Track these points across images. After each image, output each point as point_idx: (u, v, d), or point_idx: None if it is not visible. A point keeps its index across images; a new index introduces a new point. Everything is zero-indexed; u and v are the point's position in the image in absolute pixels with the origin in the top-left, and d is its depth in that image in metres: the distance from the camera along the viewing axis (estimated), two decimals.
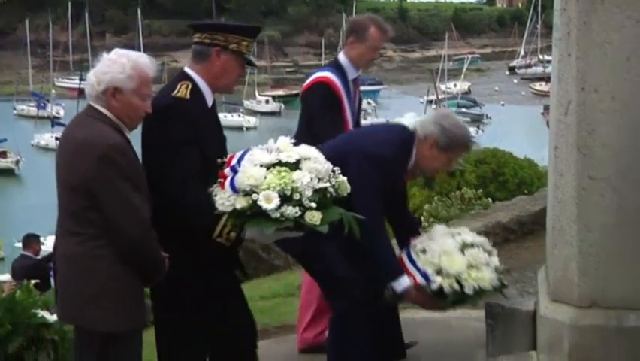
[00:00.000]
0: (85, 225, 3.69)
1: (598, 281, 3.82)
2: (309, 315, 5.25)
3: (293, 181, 3.60)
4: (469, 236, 4.55)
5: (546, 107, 38.59)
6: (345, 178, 3.83)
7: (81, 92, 56.56)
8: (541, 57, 77.18)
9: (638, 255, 3.78)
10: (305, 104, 5.33)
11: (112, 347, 3.76)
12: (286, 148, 3.75)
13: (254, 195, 3.60)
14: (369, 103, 65.17)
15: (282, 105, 67.99)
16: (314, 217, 3.60)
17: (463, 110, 62.80)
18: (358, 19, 5.50)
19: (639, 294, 3.79)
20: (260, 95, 71.77)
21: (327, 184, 3.69)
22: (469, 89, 70.60)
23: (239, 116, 62.41)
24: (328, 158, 3.84)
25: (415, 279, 4.42)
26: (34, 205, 33.97)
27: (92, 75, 3.77)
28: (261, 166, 3.67)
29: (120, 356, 3.80)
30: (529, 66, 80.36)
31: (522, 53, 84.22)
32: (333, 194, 3.74)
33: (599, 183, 3.78)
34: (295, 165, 3.68)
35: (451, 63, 73.44)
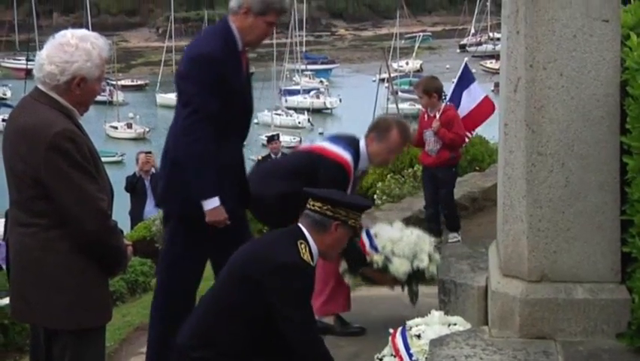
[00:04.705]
0: (35, 215, 3.53)
1: (547, 255, 3.87)
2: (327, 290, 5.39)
3: None
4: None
5: (497, 85, 38.57)
6: None
7: (28, 73, 55.06)
8: (491, 35, 77.40)
9: (586, 229, 3.84)
10: (319, 169, 5.25)
11: (71, 345, 3.60)
12: None
13: None
14: (321, 82, 65.03)
15: None
16: None
17: None
18: (385, 118, 5.71)
19: (587, 267, 3.86)
20: None
21: None
22: (420, 67, 70.55)
23: None
24: None
25: (364, 247, 4.88)
26: None
27: (49, 63, 3.54)
28: None
29: (78, 355, 3.62)
30: (479, 44, 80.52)
31: (472, 30, 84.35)
32: None
33: (548, 159, 3.82)
34: None
35: (402, 41, 73.38)
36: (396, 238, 5.21)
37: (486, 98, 8.57)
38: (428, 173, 7.40)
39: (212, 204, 4.51)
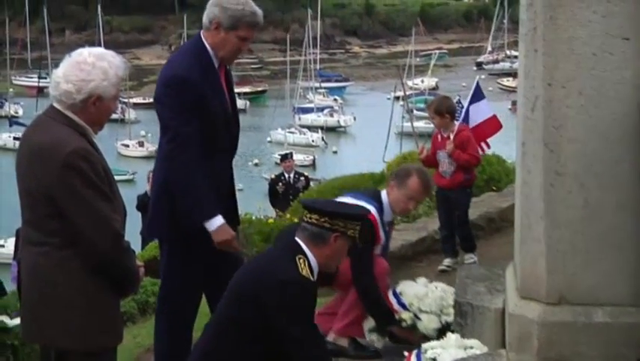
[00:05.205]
0: (48, 234, 3.51)
1: (566, 277, 3.82)
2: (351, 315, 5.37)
3: None
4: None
5: (514, 103, 38.41)
6: None
7: (40, 91, 55.18)
8: (508, 52, 77.31)
9: (605, 250, 3.80)
10: None
11: None
12: None
13: None
14: (335, 100, 65.12)
15: (248, 102, 67.29)
16: None
17: None
18: (406, 166, 5.76)
19: (607, 290, 3.81)
20: None
21: None
22: (436, 85, 70.41)
23: None
24: None
25: (391, 306, 5.07)
26: None
27: (65, 81, 3.53)
28: None
29: None
30: (496, 62, 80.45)
31: (489, 48, 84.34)
32: None
33: (567, 179, 3.78)
34: None
35: (418, 59, 73.26)
36: (422, 294, 5.21)
37: (494, 116, 8.42)
38: (442, 194, 7.19)
39: (215, 223, 4.42)
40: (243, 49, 4.60)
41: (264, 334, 3.85)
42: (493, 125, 8.22)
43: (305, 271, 3.89)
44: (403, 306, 5.19)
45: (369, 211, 4.41)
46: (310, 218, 4.01)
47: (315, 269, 3.98)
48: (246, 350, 3.89)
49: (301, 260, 3.91)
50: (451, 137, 7.02)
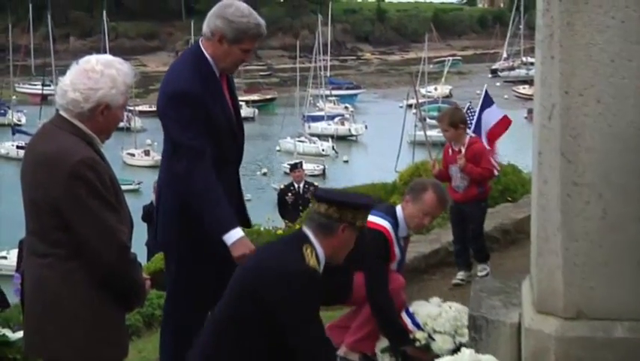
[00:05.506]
0: (53, 245, 3.46)
1: (584, 291, 3.75)
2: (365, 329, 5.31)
3: None
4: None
5: (530, 111, 38.22)
6: None
7: (44, 98, 54.67)
8: (524, 59, 76.92)
9: (624, 263, 3.72)
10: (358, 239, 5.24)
11: None
12: None
13: None
14: (346, 108, 65.09)
15: (256, 110, 67.24)
16: None
17: None
18: (422, 180, 5.77)
19: (626, 304, 3.74)
20: None
21: None
22: (450, 92, 70.14)
23: None
24: None
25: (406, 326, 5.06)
26: None
27: (73, 90, 3.49)
28: None
29: None
30: (512, 68, 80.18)
31: (505, 55, 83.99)
32: None
33: (584, 190, 3.71)
34: None
35: (431, 66, 72.92)
36: (435, 314, 5.15)
37: (504, 117, 8.29)
38: (455, 208, 6.96)
39: (234, 236, 4.31)
40: (246, 60, 4.57)
41: (266, 328, 3.77)
42: (502, 124, 8.12)
43: (312, 262, 3.82)
44: (418, 326, 5.12)
45: (375, 204, 4.34)
46: (319, 208, 3.96)
47: (322, 260, 3.92)
48: (246, 347, 3.81)
49: (308, 250, 3.85)
50: (462, 150, 6.84)
